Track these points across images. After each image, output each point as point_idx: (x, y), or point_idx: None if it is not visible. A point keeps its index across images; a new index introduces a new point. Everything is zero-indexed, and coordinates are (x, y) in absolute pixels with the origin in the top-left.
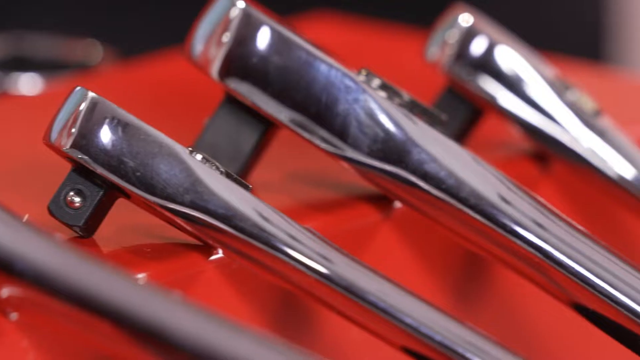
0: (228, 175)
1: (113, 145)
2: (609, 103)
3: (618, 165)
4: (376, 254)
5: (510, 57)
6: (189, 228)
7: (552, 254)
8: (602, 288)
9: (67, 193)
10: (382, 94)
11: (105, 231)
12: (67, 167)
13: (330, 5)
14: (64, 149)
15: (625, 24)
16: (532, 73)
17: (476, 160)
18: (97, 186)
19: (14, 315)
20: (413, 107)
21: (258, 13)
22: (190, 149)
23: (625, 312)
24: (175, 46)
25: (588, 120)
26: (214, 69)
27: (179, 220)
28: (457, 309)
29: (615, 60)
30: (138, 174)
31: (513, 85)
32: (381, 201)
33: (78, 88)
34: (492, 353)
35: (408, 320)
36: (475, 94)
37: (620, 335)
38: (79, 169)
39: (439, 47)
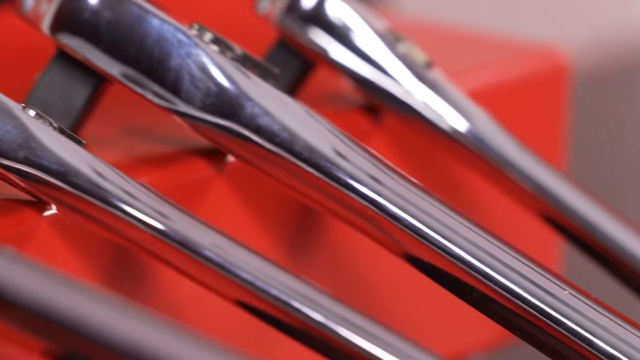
0: (61, 131)
1: None
2: (439, 55)
3: (449, 117)
4: (210, 208)
5: (341, 10)
6: (22, 184)
7: (385, 206)
8: (435, 239)
9: None
10: (215, 48)
11: None
12: None
13: None
14: None
15: None
16: (363, 26)
17: (309, 113)
18: None
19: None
20: (245, 61)
21: None
22: (23, 105)
23: (458, 263)
24: (5, 1)
25: (419, 72)
26: (45, 24)
27: (12, 177)
28: (291, 262)
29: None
30: None
31: (344, 38)
32: (215, 155)
33: None
34: (327, 306)
35: (243, 275)
36: (307, 47)
37: (452, 285)
38: None
39: (269, 1)
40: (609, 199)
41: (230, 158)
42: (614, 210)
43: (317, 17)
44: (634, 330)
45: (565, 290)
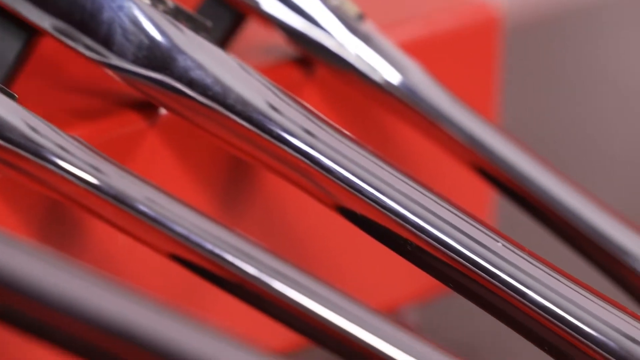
0: None
1: None
2: (370, 7)
3: (382, 70)
4: (143, 161)
5: None
6: None
7: (318, 158)
8: (368, 192)
9: None
10: (147, 0)
11: None
12: None
13: None
14: None
15: None
16: None
17: (241, 66)
18: None
19: None
20: (177, 14)
21: None
22: None
23: (391, 215)
24: None
25: (351, 24)
26: None
27: None
28: (224, 215)
29: None
30: None
31: None
32: (147, 109)
33: None
34: (260, 259)
35: (177, 228)
36: None
37: (386, 238)
38: None
39: None
40: (542, 150)
41: (163, 111)
42: (546, 161)
43: None
44: (566, 282)
45: (498, 242)
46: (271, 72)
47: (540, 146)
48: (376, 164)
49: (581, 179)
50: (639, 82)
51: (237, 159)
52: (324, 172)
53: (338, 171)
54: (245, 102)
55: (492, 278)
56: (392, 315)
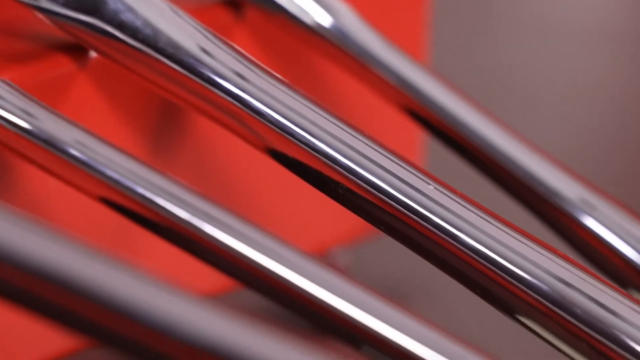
0: None
1: None
2: None
3: (312, 11)
4: (73, 104)
5: None
6: None
7: (249, 101)
8: (299, 134)
9: None
10: None
11: None
12: None
13: None
14: None
15: None
16: None
17: (172, 9)
18: None
19: None
20: None
21: None
22: None
23: (322, 158)
24: None
25: None
26: None
27: None
28: (155, 159)
29: None
30: None
31: None
32: (77, 51)
33: None
34: (191, 202)
35: (108, 172)
36: None
37: (317, 181)
38: None
39: None
40: (472, 91)
41: (94, 54)
42: (476, 102)
43: None
44: (498, 225)
45: (430, 185)
46: (201, 14)
47: (470, 87)
48: (308, 106)
49: (511, 121)
50: (572, 23)
51: (168, 102)
52: (255, 115)
53: (269, 114)
54: (175, 45)
55: (424, 221)
56: (323, 257)
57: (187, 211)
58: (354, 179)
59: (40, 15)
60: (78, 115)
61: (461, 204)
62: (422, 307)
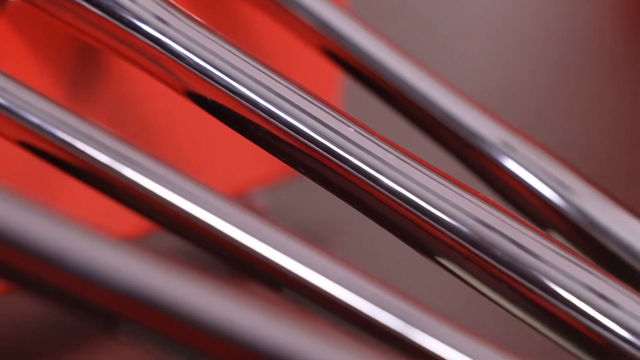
0: None
1: None
2: None
3: None
4: None
5: None
6: None
7: (169, 44)
8: (219, 77)
9: None
10: None
11: None
12: None
13: None
14: None
15: None
16: None
17: None
18: None
19: None
20: None
21: None
22: None
23: (241, 101)
24: None
25: None
26: None
27: None
28: (74, 103)
29: None
30: None
31: None
32: None
33: None
34: (111, 146)
35: (28, 117)
36: None
37: (236, 124)
38: None
39: None
40: (390, 31)
41: None
42: (395, 44)
43: None
44: (418, 167)
45: (350, 127)
46: None
47: (389, 28)
48: (226, 49)
49: (430, 62)
50: None
51: (88, 45)
52: (174, 58)
53: (189, 57)
54: None
55: (344, 163)
56: (242, 199)
57: (107, 154)
58: (274, 121)
59: None
60: None
61: (381, 146)
62: (341, 249)
